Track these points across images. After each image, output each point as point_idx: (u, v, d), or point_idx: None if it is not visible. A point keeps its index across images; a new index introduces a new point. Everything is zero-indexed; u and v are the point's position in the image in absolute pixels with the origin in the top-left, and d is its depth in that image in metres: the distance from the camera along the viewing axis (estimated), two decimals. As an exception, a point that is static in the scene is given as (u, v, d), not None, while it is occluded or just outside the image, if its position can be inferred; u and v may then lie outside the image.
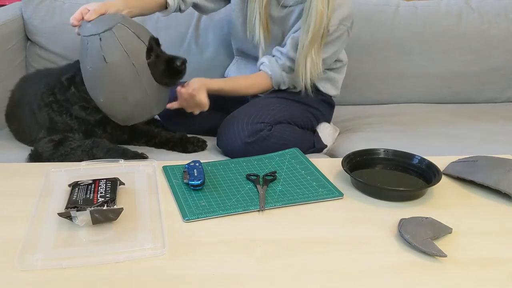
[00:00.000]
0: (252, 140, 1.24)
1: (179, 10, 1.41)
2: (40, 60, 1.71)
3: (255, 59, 1.45)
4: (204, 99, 1.27)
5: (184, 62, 1.22)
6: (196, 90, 1.26)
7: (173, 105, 1.31)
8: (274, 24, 1.39)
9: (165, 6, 1.35)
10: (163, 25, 1.71)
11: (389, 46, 1.79)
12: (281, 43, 1.41)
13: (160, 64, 1.19)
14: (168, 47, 1.69)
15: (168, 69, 1.20)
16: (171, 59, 1.21)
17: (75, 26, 1.16)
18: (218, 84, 1.34)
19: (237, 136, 1.26)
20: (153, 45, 1.19)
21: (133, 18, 1.22)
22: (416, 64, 1.82)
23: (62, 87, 1.20)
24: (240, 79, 1.43)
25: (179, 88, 1.28)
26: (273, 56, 1.39)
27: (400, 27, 1.79)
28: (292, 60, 1.35)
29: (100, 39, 1.11)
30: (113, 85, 1.15)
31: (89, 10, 1.14)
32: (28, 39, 1.72)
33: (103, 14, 1.15)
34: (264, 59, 1.39)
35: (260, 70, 1.40)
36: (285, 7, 1.36)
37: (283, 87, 1.40)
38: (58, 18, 1.67)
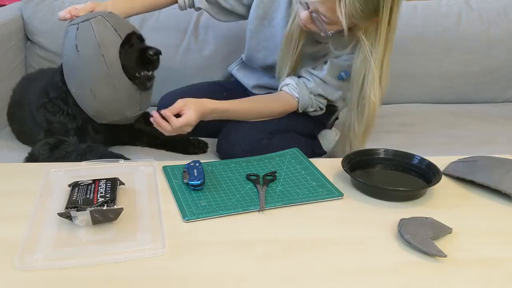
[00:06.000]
0: (252, 149, 1.21)
1: (193, 7, 1.42)
2: (40, 60, 1.71)
3: (261, 69, 1.44)
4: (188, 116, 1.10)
5: (157, 52, 1.16)
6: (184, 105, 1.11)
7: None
8: (304, 58, 1.31)
9: (175, 2, 1.39)
10: (163, 22, 1.71)
11: (389, 46, 1.79)
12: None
13: (132, 53, 1.16)
14: (167, 45, 1.72)
15: (140, 58, 1.15)
16: (144, 48, 1.16)
17: (65, 19, 1.18)
18: (224, 105, 1.21)
19: (237, 145, 1.23)
20: (131, 39, 1.16)
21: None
22: (416, 64, 1.82)
23: (55, 86, 1.21)
24: (258, 102, 1.32)
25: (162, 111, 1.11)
26: (300, 77, 1.32)
27: (400, 27, 1.77)
28: (325, 83, 1.29)
29: (77, 28, 1.12)
30: (81, 75, 1.14)
31: (77, 9, 1.18)
32: (28, 39, 1.72)
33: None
34: (289, 80, 1.30)
35: (283, 91, 1.31)
36: (320, 42, 1.30)
37: (310, 110, 1.33)
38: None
